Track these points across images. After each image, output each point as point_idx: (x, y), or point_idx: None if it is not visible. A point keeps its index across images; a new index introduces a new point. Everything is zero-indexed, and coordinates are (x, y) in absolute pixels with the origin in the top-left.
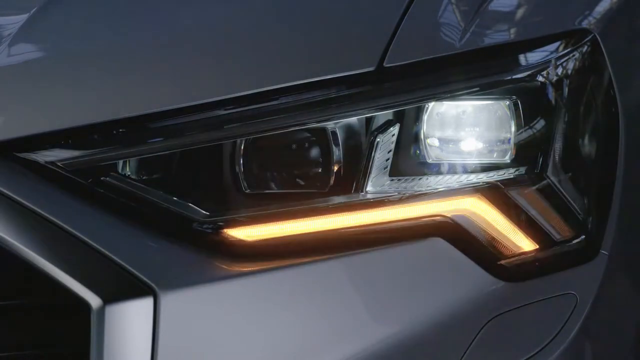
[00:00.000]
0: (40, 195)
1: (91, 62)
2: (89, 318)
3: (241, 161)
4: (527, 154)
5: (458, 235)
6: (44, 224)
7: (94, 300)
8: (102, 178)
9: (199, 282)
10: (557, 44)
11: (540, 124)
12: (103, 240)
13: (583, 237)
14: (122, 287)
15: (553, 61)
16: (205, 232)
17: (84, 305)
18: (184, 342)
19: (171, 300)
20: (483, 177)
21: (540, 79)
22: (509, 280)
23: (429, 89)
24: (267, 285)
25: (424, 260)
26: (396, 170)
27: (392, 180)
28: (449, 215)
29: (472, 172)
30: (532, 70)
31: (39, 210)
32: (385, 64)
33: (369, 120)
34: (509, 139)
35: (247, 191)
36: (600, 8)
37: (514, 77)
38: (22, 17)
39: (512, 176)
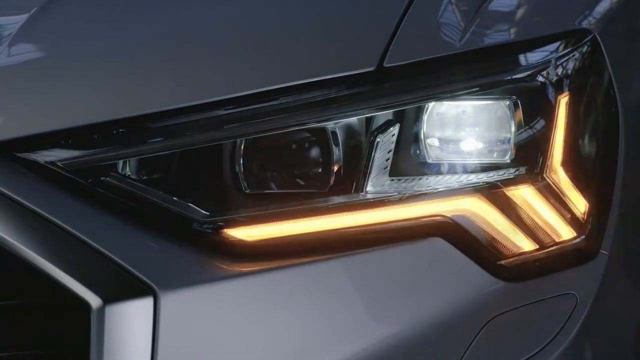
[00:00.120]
0: (40, 195)
1: (91, 62)
2: (89, 318)
3: (241, 161)
4: (527, 154)
5: (458, 235)
6: (44, 224)
7: (94, 300)
8: (102, 178)
9: (199, 282)
10: (557, 44)
11: (540, 124)
12: (103, 240)
13: (583, 237)
14: (122, 287)
15: (553, 61)
16: (205, 232)
17: (84, 305)
18: (184, 342)
19: (171, 300)
20: (483, 177)
21: (540, 79)
22: (509, 280)
23: (429, 89)
24: (267, 285)
25: (424, 260)
26: (396, 170)
27: (392, 180)
28: (449, 215)
29: (472, 172)
30: (532, 70)
31: (39, 210)
32: (385, 64)
33: (369, 120)
34: (509, 139)
35: (247, 191)
36: (600, 8)
37: (514, 77)
38: (22, 17)
39: (512, 176)
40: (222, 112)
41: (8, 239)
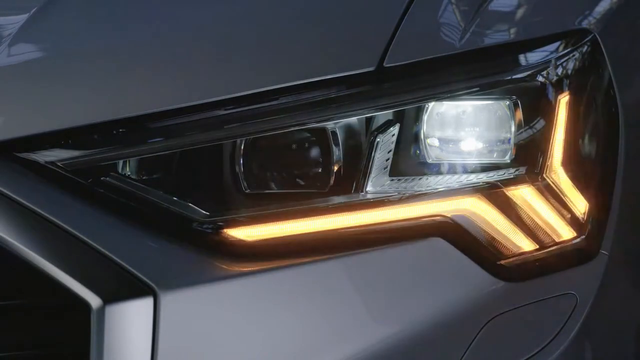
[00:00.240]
0: (40, 195)
1: (91, 62)
2: (89, 318)
3: (241, 161)
4: (527, 154)
5: (458, 235)
6: (44, 224)
7: (94, 300)
8: (102, 178)
9: (199, 282)
10: (557, 44)
11: (540, 124)
12: (103, 240)
13: (583, 237)
14: (122, 287)
15: (553, 61)
16: (205, 232)
17: (84, 305)
18: (184, 342)
19: (171, 300)
20: (483, 177)
21: (540, 79)
22: (509, 280)
23: (429, 89)
24: (267, 285)
25: (424, 260)
26: (396, 170)
27: (392, 180)
28: (449, 215)
29: (472, 172)
30: (532, 70)
31: (39, 210)
32: (385, 64)
33: (369, 120)
34: (509, 139)
35: (247, 191)
36: (600, 8)
37: (514, 77)
38: (22, 17)
39: (512, 176)
40: (222, 112)
41: (8, 239)
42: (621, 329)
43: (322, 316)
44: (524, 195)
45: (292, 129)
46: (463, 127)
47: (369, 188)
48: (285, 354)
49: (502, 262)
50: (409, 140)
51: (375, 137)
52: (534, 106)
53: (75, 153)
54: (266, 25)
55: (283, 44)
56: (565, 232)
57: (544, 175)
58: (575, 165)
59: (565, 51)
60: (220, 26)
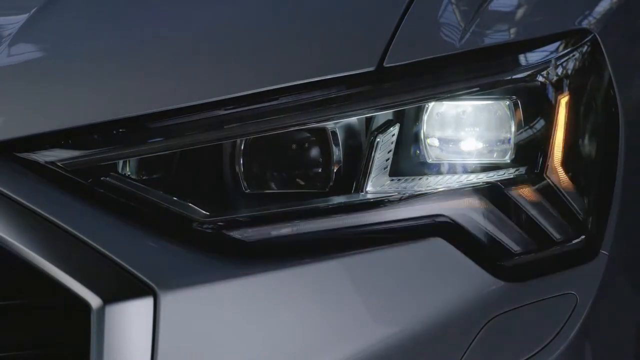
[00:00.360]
0: (40, 195)
1: (91, 62)
2: (89, 318)
3: (241, 161)
4: (527, 154)
5: (458, 235)
6: (44, 224)
7: (94, 300)
8: (102, 178)
9: (199, 282)
10: (557, 44)
11: (540, 124)
12: (103, 240)
13: (583, 237)
14: (122, 287)
15: (553, 61)
16: (205, 232)
17: (84, 305)
18: (184, 342)
19: (171, 300)
20: (483, 177)
21: (540, 79)
22: (509, 280)
23: (429, 89)
24: (267, 285)
25: (424, 260)
26: (396, 170)
27: (392, 180)
28: (449, 215)
29: (472, 172)
30: (532, 70)
31: (39, 210)
32: (385, 64)
33: (369, 120)
34: (509, 139)
35: (247, 191)
36: (600, 8)
37: (514, 77)
38: (22, 17)
39: (512, 176)
40: (222, 112)
41: (8, 239)
42: (621, 329)
43: (322, 316)
44: (524, 195)
45: (292, 129)
46: (463, 127)
47: (369, 188)
48: (285, 354)
49: (502, 262)
50: (409, 140)
51: (375, 137)
52: (534, 106)
53: (75, 153)
54: (266, 25)
55: (283, 44)
56: (565, 232)
57: (544, 175)
58: (575, 165)
59: (565, 51)
60: (220, 26)
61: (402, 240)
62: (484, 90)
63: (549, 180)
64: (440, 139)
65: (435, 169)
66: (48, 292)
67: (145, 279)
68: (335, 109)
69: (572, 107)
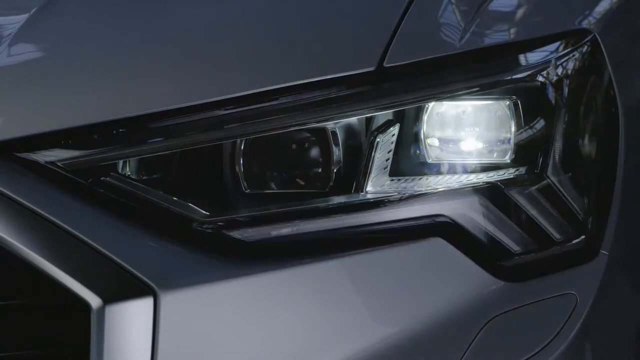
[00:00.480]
0: (40, 195)
1: (91, 62)
2: (89, 318)
3: (241, 161)
4: (527, 154)
5: (458, 235)
6: (44, 224)
7: (94, 300)
8: (102, 178)
9: (199, 282)
10: (557, 44)
11: (540, 124)
12: (103, 240)
13: (583, 237)
14: (122, 287)
15: (553, 61)
16: (205, 232)
17: (84, 305)
18: (184, 342)
19: (171, 300)
20: (483, 177)
21: (540, 79)
22: (509, 280)
23: (429, 89)
24: (267, 285)
25: (424, 260)
26: (396, 170)
27: (392, 180)
28: (449, 215)
29: (472, 172)
30: (532, 70)
31: (39, 210)
32: (385, 64)
33: (369, 120)
34: (509, 139)
35: (247, 191)
36: (600, 8)
37: (514, 77)
38: (22, 17)
39: (512, 176)
40: (222, 112)
41: (8, 239)
42: (621, 329)
43: (322, 316)
44: (524, 195)
45: (292, 129)
46: (463, 127)
47: (369, 188)
48: (285, 354)
49: (502, 262)
50: (409, 140)
51: (375, 137)
52: (534, 106)
53: (75, 153)
54: (266, 25)
55: (283, 44)
56: (565, 232)
57: (544, 175)
58: (575, 165)
59: (565, 51)
60: (220, 26)
61: (402, 240)
62: (484, 90)
63: (549, 180)
64: (440, 139)
65: (435, 169)
66: (48, 292)
67: (145, 279)
68: (335, 109)
69: (572, 107)
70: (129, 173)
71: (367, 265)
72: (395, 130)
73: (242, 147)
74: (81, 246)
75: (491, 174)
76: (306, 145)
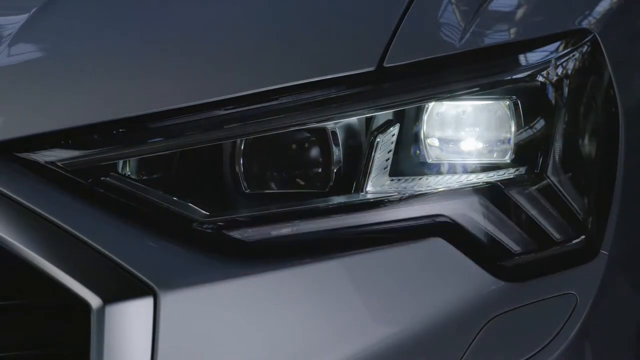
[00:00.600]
0: (40, 195)
1: (91, 62)
2: (89, 318)
3: (241, 161)
4: (527, 154)
5: (458, 235)
6: (44, 224)
7: (94, 300)
8: (102, 178)
9: (199, 282)
10: (557, 44)
11: (540, 124)
12: (103, 240)
13: (583, 237)
14: (122, 287)
15: (553, 61)
16: (205, 232)
17: (84, 305)
18: (184, 342)
19: (171, 300)
20: (483, 177)
21: (540, 79)
22: (509, 280)
23: (429, 89)
24: (267, 285)
25: (424, 260)
26: (396, 170)
27: (392, 180)
28: (449, 215)
29: (472, 172)
30: (532, 70)
31: (39, 210)
32: (385, 64)
33: (369, 120)
34: (509, 139)
35: (247, 191)
36: (600, 8)
37: (514, 77)
38: (22, 17)
39: (512, 176)
40: (222, 112)
41: (8, 239)
42: (621, 329)
43: (322, 316)
44: (524, 195)
45: (292, 129)
46: (463, 127)
47: (369, 188)
48: (285, 354)
49: (502, 262)
50: (409, 140)
51: (375, 137)
52: (534, 106)
53: (75, 153)
54: (266, 25)
55: (283, 44)
56: (566, 232)
57: (544, 175)
58: (575, 165)
59: (565, 51)
60: (220, 26)
61: (402, 240)
62: (484, 90)
63: (549, 180)
64: (440, 139)
65: (435, 169)
66: (48, 292)
67: (145, 279)
68: (335, 109)
69: (572, 107)
70: (129, 173)
71: (367, 265)
72: (395, 130)
73: (242, 147)
74: (81, 246)
75: (491, 174)
76: (306, 145)
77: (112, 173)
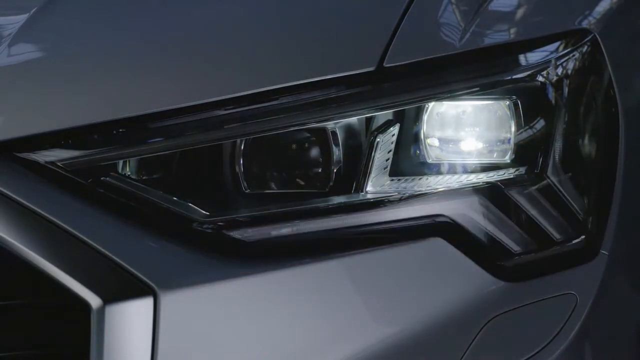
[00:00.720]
0: (40, 195)
1: (91, 62)
2: (89, 318)
3: (241, 161)
4: (527, 154)
5: (458, 235)
6: (44, 224)
7: (94, 300)
8: (102, 178)
9: (199, 282)
10: (557, 44)
11: (540, 124)
12: (103, 240)
13: (583, 237)
14: (122, 287)
15: (553, 61)
16: (205, 232)
17: (84, 305)
18: (184, 342)
19: (171, 300)
20: (483, 177)
21: (540, 79)
22: (509, 280)
23: (429, 89)
24: (267, 285)
25: (424, 260)
26: (396, 170)
27: (392, 180)
28: (449, 215)
29: (472, 172)
30: (532, 70)
31: (39, 210)
32: (385, 64)
33: (369, 120)
34: (509, 139)
35: (247, 191)
36: (600, 8)
37: (514, 77)
38: (22, 17)
39: (512, 176)
40: (222, 112)
41: (8, 239)
42: (621, 329)
43: (322, 316)
44: (524, 195)
45: (292, 129)
46: (463, 127)
47: (369, 188)
48: (285, 354)
49: (502, 262)
50: (409, 140)
51: (375, 137)
52: (534, 106)
53: (75, 153)
54: (266, 25)
55: (283, 43)
56: (565, 232)
57: (544, 175)
58: (575, 165)
59: (565, 51)
60: (220, 26)
61: (402, 240)
62: (484, 90)
63: (549, 180)
64: (440, 139)
65: (435, 169)
66: (48, 292)
67: (145, 279)
68: (335, 109)
69: (572, 107)
70: (129, 173)
71: (367, 265)
72: (395, 130)
73: (242, 147)
74: (81, 246)
75: (491, 174)
76: (306, 145)
77: (112, 173)
